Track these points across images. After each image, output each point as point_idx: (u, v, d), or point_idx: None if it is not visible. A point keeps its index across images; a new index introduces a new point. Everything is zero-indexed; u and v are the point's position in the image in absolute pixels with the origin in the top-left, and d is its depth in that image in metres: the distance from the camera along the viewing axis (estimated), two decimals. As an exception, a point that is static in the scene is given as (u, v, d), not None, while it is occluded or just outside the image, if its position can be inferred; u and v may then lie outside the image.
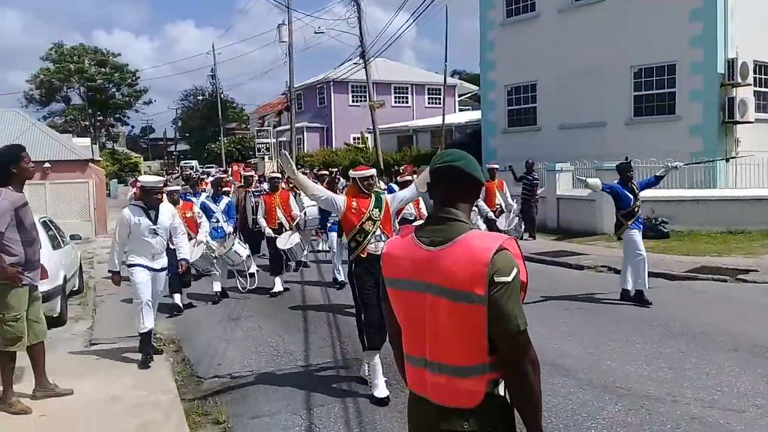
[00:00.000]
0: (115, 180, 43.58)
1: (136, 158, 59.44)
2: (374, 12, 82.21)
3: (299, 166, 28.12)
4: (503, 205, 12.46)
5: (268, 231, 10.35)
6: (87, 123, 58.32)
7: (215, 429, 5.16)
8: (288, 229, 10.42)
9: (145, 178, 6.95)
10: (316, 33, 29.59)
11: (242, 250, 10.33)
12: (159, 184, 6.74)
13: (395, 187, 13.02)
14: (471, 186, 2.31)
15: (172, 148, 78.40)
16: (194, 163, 53.56)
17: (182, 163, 53.00)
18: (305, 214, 11.02)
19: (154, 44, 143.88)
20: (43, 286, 7.33)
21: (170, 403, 5.50)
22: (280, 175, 11.87)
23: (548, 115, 20.72)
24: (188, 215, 9.47)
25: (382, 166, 25.09)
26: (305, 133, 41.58)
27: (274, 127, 48.47)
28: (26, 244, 5.29)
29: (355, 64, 27.82)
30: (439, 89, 43.31)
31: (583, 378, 5.90)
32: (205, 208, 10.43)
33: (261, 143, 47.68)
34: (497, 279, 2.06)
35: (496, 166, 13.89)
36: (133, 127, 77.22)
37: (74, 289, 10.30)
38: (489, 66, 22.83)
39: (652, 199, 15.27)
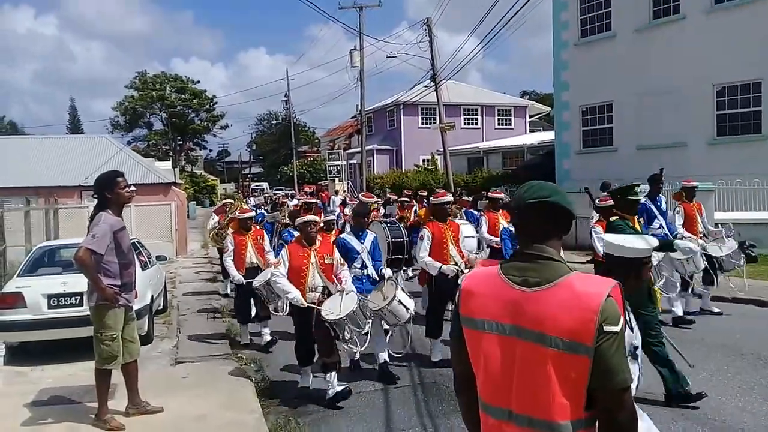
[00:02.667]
0: (194, 202, 45.07)
1: (213, 181, 61.46)
2: (441, 36, 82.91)
3: (375, 192, 28.32)
4: (705, 231, 10.01)
5: (451, 268, 7.29)
6: (168, 147, 60.85)
7: (299, 450, 5.23)
8: (463, 271, 7.15)
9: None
10: (388, 57, 29.90)
11: (408, 300, 6.97)
12: None
13: (476, 214, 11.71)
14: (566, 222, 2.15)
15: (246, 171, 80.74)
16: (264, 185, 54.73)
17: (253, 185, 54.29)
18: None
19: (228, 72, 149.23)
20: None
21: (255, 423, 5.63)
22: (451, 199, 8.75)
23: (625, 136, 20.22)
24: (327, 261, 6.61)
25: (452, 189, 25.03)
26: (375, 156, 42.02)
27: (345, 149, 49.29)
28: (123, 267, 5.56)
29: (425, 87, 28.01)
30: (510, 110, 43.12)
31: (674, 408, 5.68)
32: (345, 247, 7.29)
33: (332, 165, 48.57)
34: (606, 328, 1.91)
35: (695, 184, 10.35)
36: (210, 150, 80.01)
37: (159, 308, 10.70)
38: (562, 86, 22.52)
39: (740, 222, 14.65)
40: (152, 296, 9.33)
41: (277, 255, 7.69)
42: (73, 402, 6.29)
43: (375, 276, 7.37)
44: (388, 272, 7.36)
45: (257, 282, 7.98)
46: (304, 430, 5.61)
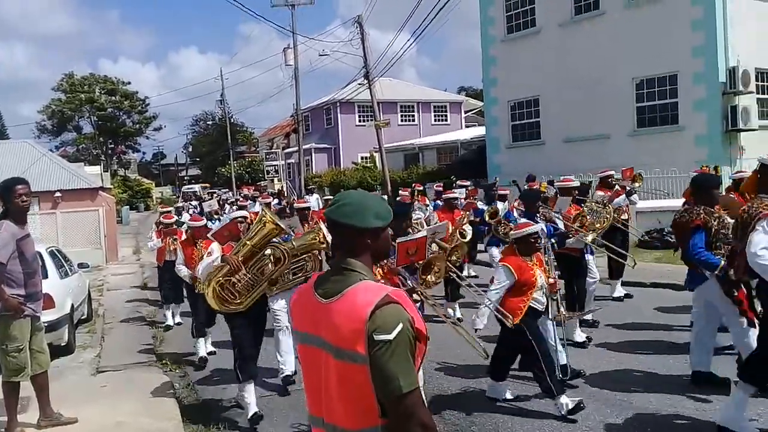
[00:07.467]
0: (127, 207, 43.83)
1: (147, 184, 59.89)
2: (374, 34, 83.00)
3: (308, 190, 28.22)
4: None
5: None
6: (98, 151, 58.96)
7: (217, 454, 5.18)
8: None
9: None
10: (320, 56, 29.86)
11: None
12: None
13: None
14: (351, 235, 2.11)
15: (183, 173, 79.06)
16: (197, 187, 52.69)
17: (185, 188, 52.46)
18: None
19: (160, 72, 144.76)
20: (50, 316, 7.47)
21: (174, 430, 5.55)
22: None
23: (552, 129, 20.76)
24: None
25: (389, 186, 25.20)
26: (313, 154, 41.83)
27: (283, 149, 48.87)
28: (28, 276, 5.39)
29: (360, 84, 28.06)
30: (445, 106, 43.61)
31: (583, 390, 5.88)
32: None
33: (270, 165, 48.12)
34: (377, 337, 1.93)
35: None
36: (144, 153, 77.81)
37: (83, 317, 10.39)
38: (491, 82, 22.96)
39: (659, 210, 15.26)
40: (73, 305, 9.04)
41: None
42: (-17, 418, 6.06)
43: None
44: None
45: None
46: (224, 434, 5.57)
